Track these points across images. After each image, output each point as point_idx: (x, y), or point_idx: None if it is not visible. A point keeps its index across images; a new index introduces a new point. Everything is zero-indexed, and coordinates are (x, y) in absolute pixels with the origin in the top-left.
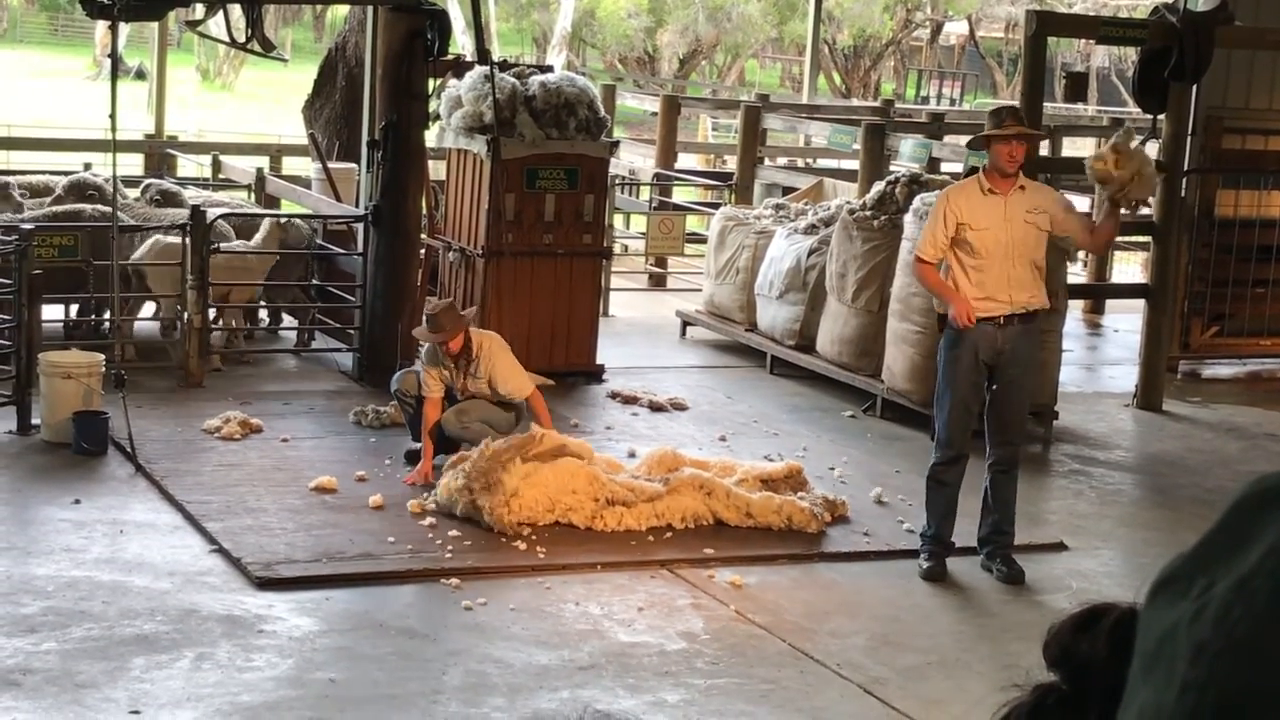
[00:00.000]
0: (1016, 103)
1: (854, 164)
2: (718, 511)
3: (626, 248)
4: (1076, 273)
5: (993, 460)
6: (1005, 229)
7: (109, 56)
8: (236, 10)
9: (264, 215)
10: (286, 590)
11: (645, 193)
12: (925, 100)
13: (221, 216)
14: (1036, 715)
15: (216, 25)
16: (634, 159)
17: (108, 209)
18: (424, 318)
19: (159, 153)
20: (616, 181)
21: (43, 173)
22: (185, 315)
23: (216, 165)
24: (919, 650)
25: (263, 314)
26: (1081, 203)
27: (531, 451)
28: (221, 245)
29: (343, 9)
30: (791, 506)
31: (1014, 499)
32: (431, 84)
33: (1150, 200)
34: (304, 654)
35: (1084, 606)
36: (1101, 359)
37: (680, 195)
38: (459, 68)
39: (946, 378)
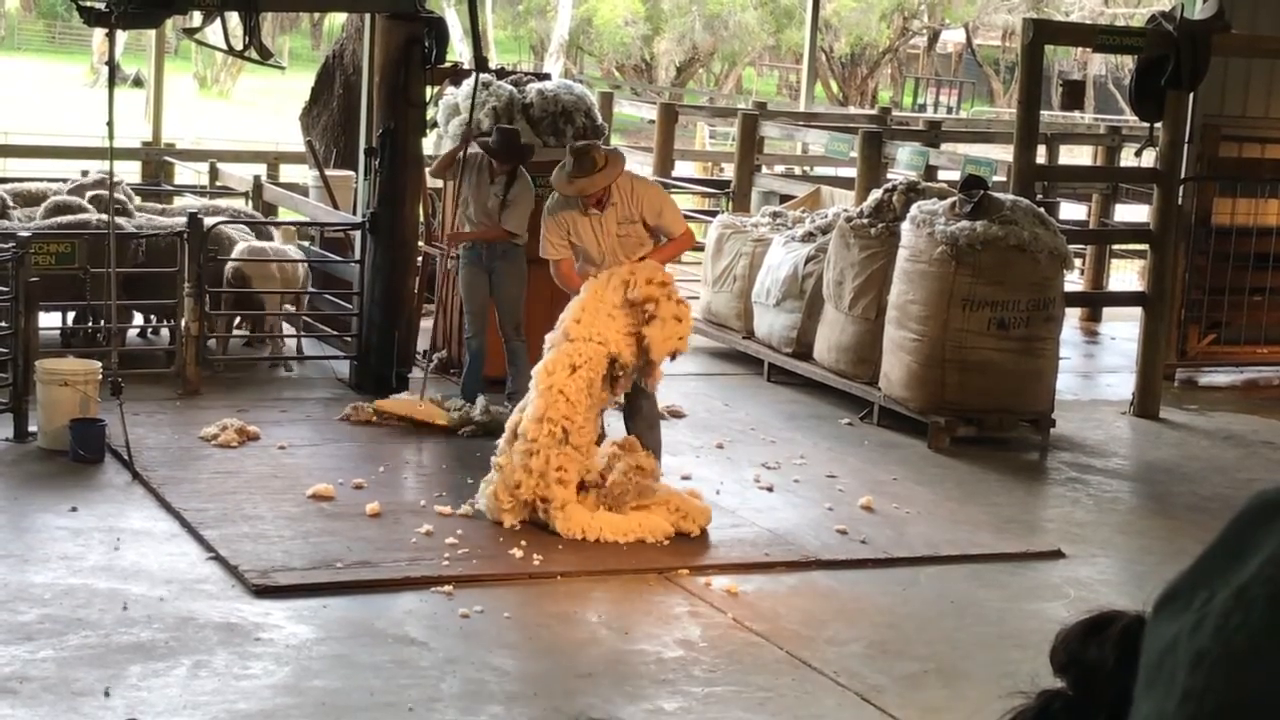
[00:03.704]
0: (589, 143)
1: (851, 172)
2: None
3: None
4: (1074, 281)
5: None
6: (603, 242)
7: (106, 64)
8: (234, 18)
9: (259, 223)
10: (283, 598)
11: None
12: (922, 108)
13: (223, 223)
14: None
15: (214, 33)
16: (631, 166)
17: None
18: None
19: (156, 160)
20: None
21: (40, 180)
22: (183, 322)
23: (214, 172)
24: (917, 658)
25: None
26: (1078, 210)
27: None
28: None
29: (340, 16)
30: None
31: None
32: (429, 91)
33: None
34: (301, 662)
35: (1092, 613)
36: (1098, 367)
37: (677, 203)
38: (456, 75)
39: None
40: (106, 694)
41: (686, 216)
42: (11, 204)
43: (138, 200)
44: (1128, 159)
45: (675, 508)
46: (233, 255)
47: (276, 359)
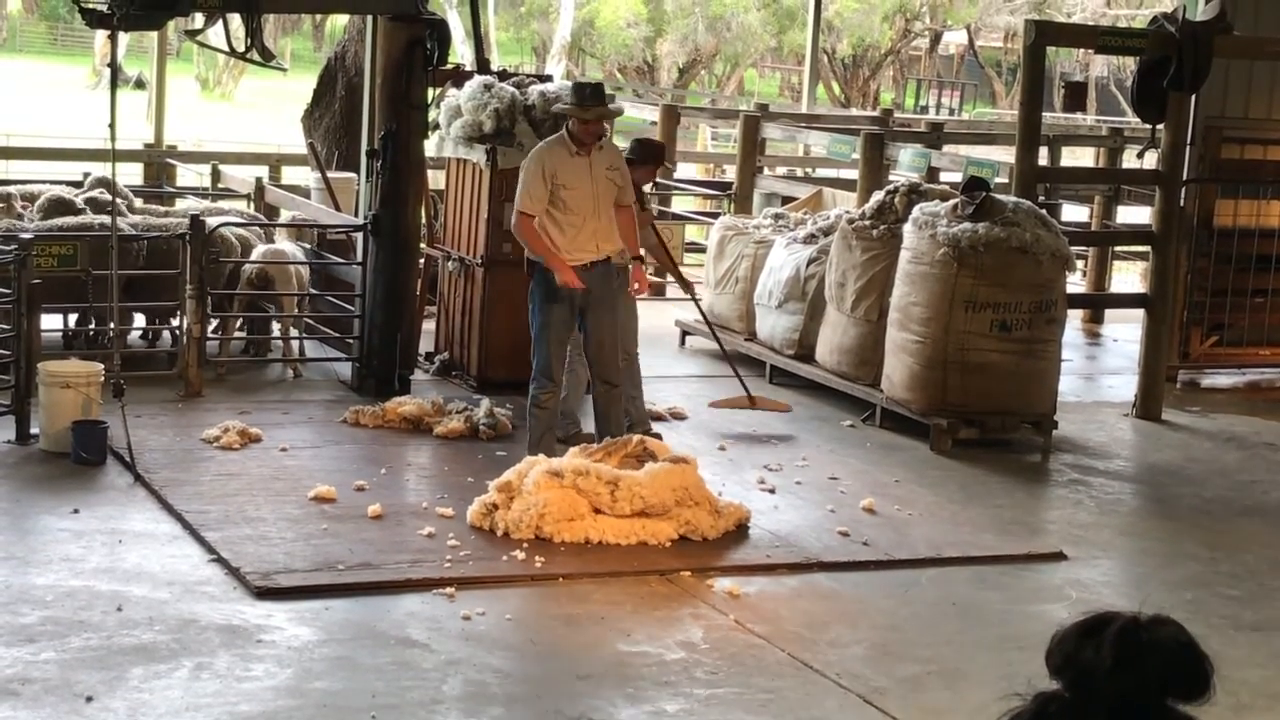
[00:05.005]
0: (600, 81)
1: (853, 173)
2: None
3: None
4: (1076, 283)
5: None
6: (591, 185)
7: (108, 66)
8: (236, 19)
9: (256, 225)
10: (285, 600)
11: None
12: (924, 110)
13: (227, 224)
14: None
15: (216, 34)
16: None
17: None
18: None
19: (158, 162)
20: None
21: (42, 182)
22: (185, 324)
23: (216, 174)
24: (918, 660)
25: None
26: (1080, 212)
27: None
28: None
29: (342, 18)
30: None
31: (619, 409)
32: (431, 93)
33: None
34: (303, 664)
35: (1088, 615)
36: (1101, 368)
37: (679, 205)
38: (458, 77)
39: (542, 318)
40: (89, 699)
41: (687, 218)
42: (23, 203)
43: (139, 202)
44: (1130, 161)
45: (685, 521)
46: (254, 257)
47: (287, 360)
